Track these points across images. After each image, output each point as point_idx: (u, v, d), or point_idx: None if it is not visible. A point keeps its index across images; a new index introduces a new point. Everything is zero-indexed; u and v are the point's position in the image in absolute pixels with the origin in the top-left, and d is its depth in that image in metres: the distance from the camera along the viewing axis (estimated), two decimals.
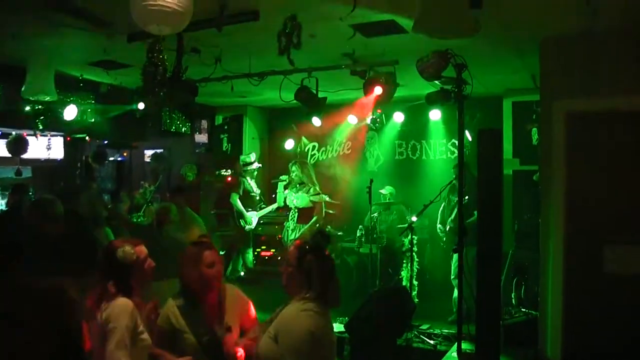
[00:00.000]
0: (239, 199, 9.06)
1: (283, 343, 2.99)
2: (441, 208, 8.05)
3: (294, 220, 8.45)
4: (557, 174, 5.71)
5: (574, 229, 5.63)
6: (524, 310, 6.99)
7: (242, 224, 8.98)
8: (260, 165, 9.32)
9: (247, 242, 9.15)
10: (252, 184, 9.25)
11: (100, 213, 7.47)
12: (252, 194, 9.24)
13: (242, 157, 9.54)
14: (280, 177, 9.25)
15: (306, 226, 8.32)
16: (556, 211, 5.69)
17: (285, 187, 8.89)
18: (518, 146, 8.87)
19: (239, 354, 3.37)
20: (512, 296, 7.36)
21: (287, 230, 8.53)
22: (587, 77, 5.55)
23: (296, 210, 8.48)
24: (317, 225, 8.43)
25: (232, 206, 9.16)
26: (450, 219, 7.87)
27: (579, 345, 5.53)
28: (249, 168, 9.24)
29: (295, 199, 8.46)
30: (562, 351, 5.59)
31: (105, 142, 10.39)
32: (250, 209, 9.05)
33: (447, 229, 7.94)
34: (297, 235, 8.32)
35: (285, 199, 8.80)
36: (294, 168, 8.59)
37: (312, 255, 3.08)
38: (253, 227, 8.91)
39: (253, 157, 9.49)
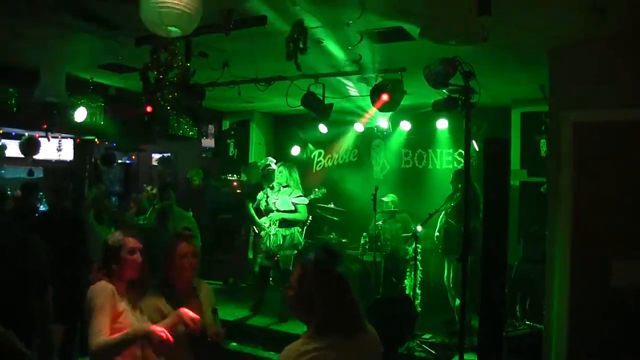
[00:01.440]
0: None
1: None
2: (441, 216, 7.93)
3: (275, 225, 8.03)
4: (564, 185, 5.61)
5: (581, 242, 5.50)
6: (528, 323, 6.93)
7: (255, 230, 8.78)
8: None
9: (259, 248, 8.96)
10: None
11: (105, 212, 7.63)
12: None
13: (260, 163, 9.26)
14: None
15: (286, 231, 7.98)
16: (563, 224, 5.59)
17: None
18: (526, 157, 8.81)
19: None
20: (517, 308, 7.29)
21: (269, 236, 8.03)
22: (596, 87, 5.44)
23: (277, 213, 8.07)
24: (302, 230, 8.28)
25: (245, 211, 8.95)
26: (438, 227, 7.86)
27: None
28: (268, 169, 8.70)
29: (278, 200, 8.08)
30: None
31: (114, 144, 10.43)
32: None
33: (435, 237, 7.95)
34: (277, 241, 7.94)
35: (261, 201, 8.38)
36: (281, 169, 8.18)
37: (313, 277, 2.48)
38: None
39: (271, 161, 9.18)
